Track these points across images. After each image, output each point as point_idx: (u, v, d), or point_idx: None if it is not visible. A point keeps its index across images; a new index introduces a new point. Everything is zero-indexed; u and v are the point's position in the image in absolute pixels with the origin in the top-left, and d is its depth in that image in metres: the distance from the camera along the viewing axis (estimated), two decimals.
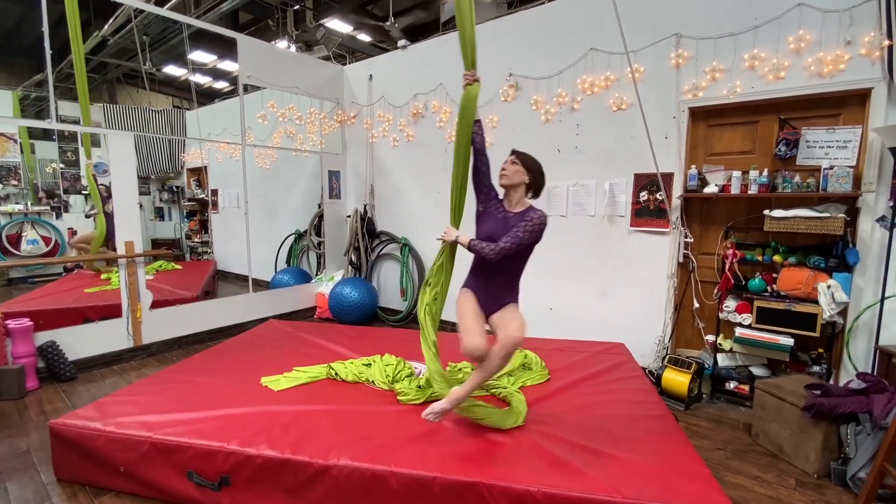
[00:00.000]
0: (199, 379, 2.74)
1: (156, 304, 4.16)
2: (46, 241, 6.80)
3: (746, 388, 3.11)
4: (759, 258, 3.10)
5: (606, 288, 3.80)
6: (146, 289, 4.05)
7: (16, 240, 6.65)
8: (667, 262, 3.48)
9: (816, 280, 2.81)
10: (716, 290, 3.31)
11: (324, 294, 5.31)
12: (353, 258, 5.53)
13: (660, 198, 3.45)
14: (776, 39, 2.94)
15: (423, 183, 4.96)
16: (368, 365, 2.86)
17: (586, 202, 3.85)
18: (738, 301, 3.16)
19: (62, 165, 6.95)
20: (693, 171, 3.30)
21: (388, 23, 7.19)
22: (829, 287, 2.76)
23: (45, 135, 6.89)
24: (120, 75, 9.77)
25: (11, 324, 3.33)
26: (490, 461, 1.84)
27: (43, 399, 3.24)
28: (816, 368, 2.90)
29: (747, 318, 3.07)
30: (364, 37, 8.65)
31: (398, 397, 2.47)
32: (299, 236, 6.27)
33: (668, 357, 3.28)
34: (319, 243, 5.79)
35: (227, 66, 10.33)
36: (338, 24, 7.71)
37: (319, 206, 5.72)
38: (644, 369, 3.21)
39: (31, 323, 3.41)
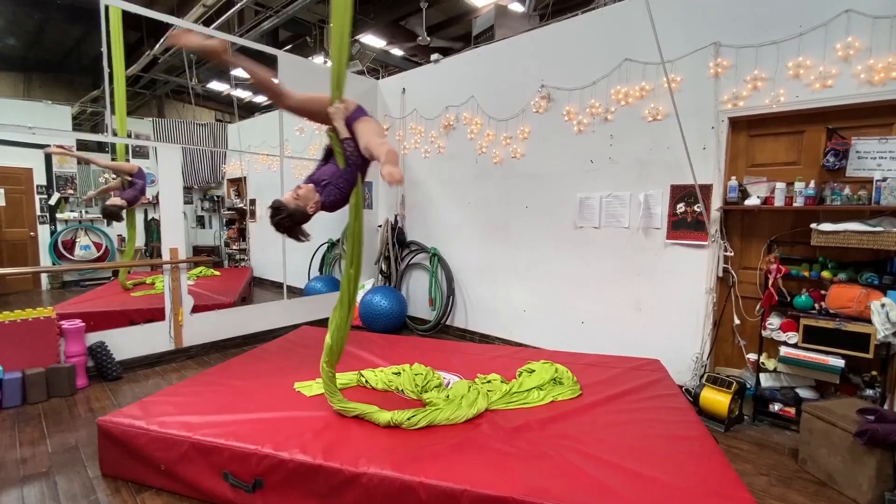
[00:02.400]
0: (235, 382, 2.83)
1: (196, 309, 4.33)
2: (98, 246, 7.21)
3: (792, 410, 2.95)
4: (806, 274, 2.95)
5: (641, 302, 3.70)
6: (188, 294, 4.23)
7: (70, 245, 7.09)
8: (705, 276, 3.36)
9: (869, 298, 2.65)
10: (758, 307, 3.16)
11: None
12: (384, 267, 5.60)
13: (698, 210, 3.35)
14: (822, 46, 2.83)
15: (453, 193, 5.00)
16: (398, 373, 2.88)
17: (620, 214, 3.78)
18: (782, 318, 3.01)
19: (114, 176, 7.39)
20: (733, 182, 3.19)
21: (420, 37, 7.35)
22: (883, 306, 2.59)
23: (100, 147, 7.35)
24: (168, 91, 10.38)
25: (65, 324, 3.55)
26: (521, 476, 1.81)
27: (91, 397, 3.41)
28: (869, 392, 2.72)
29: (793, 337, 2.92)
30: (397, 51, 8.87)
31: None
32: (332, 245, 6.42)
33: (706, 375, 3.15)
34: None
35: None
36: (372, 40, 7.94)
37: None
38: (681, 387, 3.09)
39: (83, 324, 3.62)
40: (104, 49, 3.90)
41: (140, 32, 8.03)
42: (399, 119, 5.42)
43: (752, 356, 3.20)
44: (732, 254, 3.29)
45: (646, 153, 3.61)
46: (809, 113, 2.95)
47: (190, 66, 7.98)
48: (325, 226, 6.51)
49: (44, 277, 6.88)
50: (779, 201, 2.99)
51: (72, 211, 7.07)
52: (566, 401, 2.59)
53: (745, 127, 3.24)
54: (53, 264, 7.05)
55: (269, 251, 7.38)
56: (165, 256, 4.05)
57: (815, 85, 2.87)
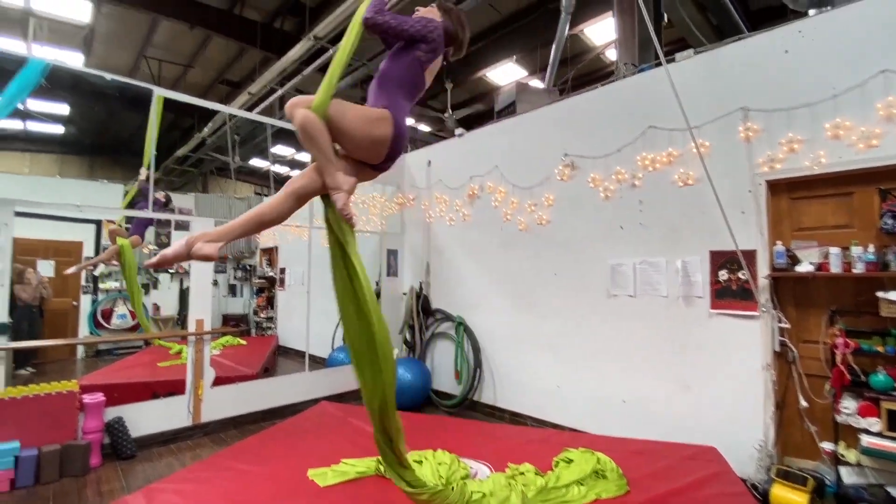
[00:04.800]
0: (246, 467, 2.64)
1: (217, 381, 4.24)
2: (133, 315, 7.40)
3: None
4: (880, 349, 2.60)
5: (689, 378, 3.35)
6: (210, 366, 4.16)
7: (108, 314, 7.32)
8: (760, 350, 3.04)
9: None
10: (828, 387, 2.79)
11: None
12: (408, 336, 5.43)
13: (743, 277, 3.11)
14: (861, 107, 2.72)
15: (478, 260, 4.92)
16: (420, 462, 2.62)
17: (656, 281, 3.57)
18: (859, 401, 2.63)
19: (155, 248, 7.77)
20: (780, 247, 2.97)
21: (446, 114, 7.74)
22: None
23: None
24: (213, 168, 11.20)
25: (86, 398, 3.50)
26: None
27: (102, 478, 3.26)
28: None
29: (875, 424, 2.51)
30: (424, 127, 9.37)
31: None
32: None
33: (775, 468, 2.73)
34: None
35: (304, 157, 11.54)
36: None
37: (377, 284, 5.81)
38: (744, 482, 2.68)
39: (103, 398, 3.56)
40: (152, 134, 4.23)
41: (192, 119, 8.88)
42: (424, 189, 5.53)
43: (827, 445, 2.77)
44: (789, 325, 2.98)
45: (679, 218, 3.46)
46: (856, 174, 2.77)
47: (233, 146, 8.62)
48: None
49: (80, 346, 7.05)
50: (835, 267, 2.73)
51: (115, 281, 7.38)
52: (612, 499, 2.26)
53: (786, 190, 3.08)
54: (91, 333, 7.25)
55: (294, 320, 7.37)
56: (191, 327, 4.05)
57: (859, 145, 2.72)
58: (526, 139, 4.52)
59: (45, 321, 6.28)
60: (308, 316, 5.13)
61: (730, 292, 3.19)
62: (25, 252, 6.68)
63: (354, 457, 2.77)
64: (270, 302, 8.30)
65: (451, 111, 7.55)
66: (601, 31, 6.90)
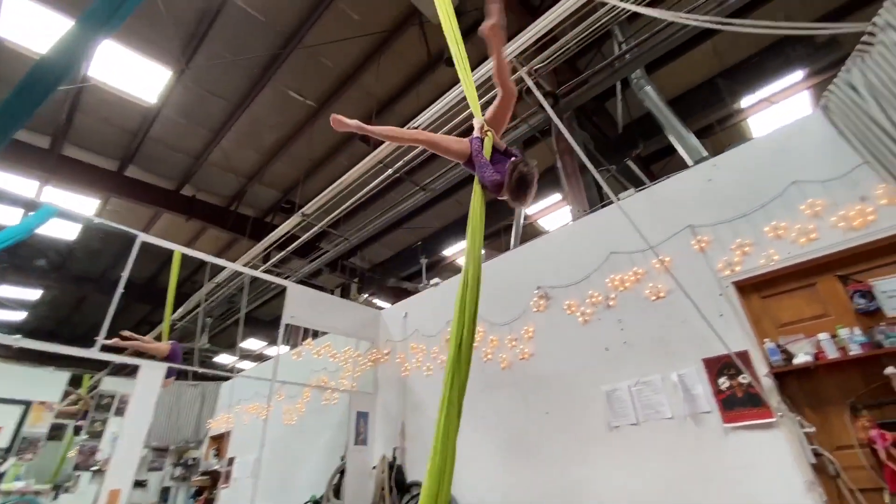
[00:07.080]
0: None
1: None
2: None
3: None
4: None
5: None
6: None
7: None
8: (793, 464, 2.58)
9: None
10: (888, 497, 2.30)
11: None
12: None
13: (744, 381, 2.88)
14: (787, 211, 3.08)
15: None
16: None
17: (658, 402, 3.23)
18: None
19: (86, 436, 6.61)
20: (770, 344, 2.87)
21: (421, 284, 8.10)
22: None
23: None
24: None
25: None
26: None
27: None
28: None
29: None
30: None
31: None
32: None
33: None
34: None
35: (272, 351, 11.32)
36: (378, 300, 8.79)
37: (342, 459, 4.95)
38: None
39: None
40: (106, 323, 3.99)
41: (152, 305, 8.95)
42: (400, 342, 5.33)
43: None
44: (813, 429, 2.63)
45: (662, 331, 3.39)
46: (811, 265, 2.93)
47: (203, 330, 8.44)
48: (308, 478, 5.45)
49: None
50: (832, 353, 2.61)
51: (20, 479, 6.00)
52: None
53: (754, 290, 3.16)
54: None
55: None
56: (102, 500, 3.18)
57: (801, 241, 2.96)
58: (498, 278, 4.67)
59: None
60: None
61: (737, 400, 2.90)
62: None
63: None
64: None
65: (426, 281, 7.92)
66: (553, 220, 8.15)
